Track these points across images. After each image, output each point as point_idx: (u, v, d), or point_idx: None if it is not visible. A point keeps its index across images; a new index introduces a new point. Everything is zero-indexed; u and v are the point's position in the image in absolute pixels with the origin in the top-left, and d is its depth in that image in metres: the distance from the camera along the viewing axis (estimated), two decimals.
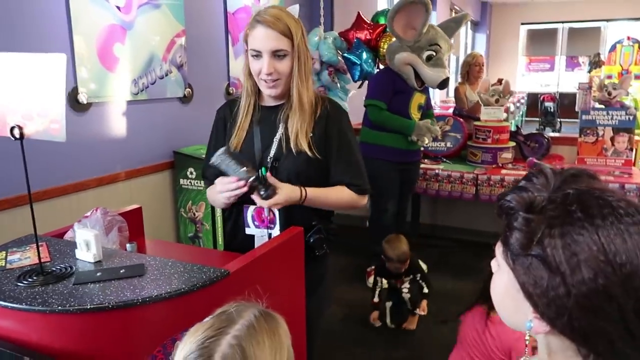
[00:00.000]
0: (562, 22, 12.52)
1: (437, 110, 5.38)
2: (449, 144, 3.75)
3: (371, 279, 3.20)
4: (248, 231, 1.46)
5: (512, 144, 3.57)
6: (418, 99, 3.04)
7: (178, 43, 2.85)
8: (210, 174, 1.53)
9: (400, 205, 3.27)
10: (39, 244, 1.04)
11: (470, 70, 4.16)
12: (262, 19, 1.31)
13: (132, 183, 2.68)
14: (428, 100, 3.19)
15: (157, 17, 2.70)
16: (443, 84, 2.93)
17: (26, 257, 1.03)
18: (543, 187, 0.60)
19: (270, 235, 1.41)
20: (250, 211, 1.44)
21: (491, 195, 3.28)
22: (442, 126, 3.73)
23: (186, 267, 0.94)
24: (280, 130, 1.42)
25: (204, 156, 1.61)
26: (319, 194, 1.40)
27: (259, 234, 1.44)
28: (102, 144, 2.49)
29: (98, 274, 0.92)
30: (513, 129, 3.72)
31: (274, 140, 1.42)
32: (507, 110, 3.82)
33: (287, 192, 1.32)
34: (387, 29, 3.12)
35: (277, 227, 1.40)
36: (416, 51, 2.91)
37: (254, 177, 1.27)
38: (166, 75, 2.81)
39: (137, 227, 1.45)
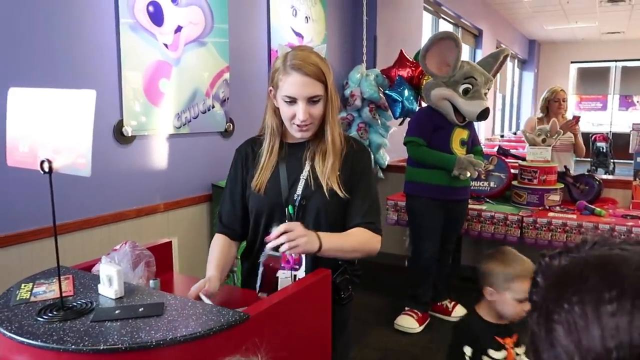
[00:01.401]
0: (615, 61, 12.17)
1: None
2: (492, 184, 3.63)
3: (402, 322, 3.08)
4: None
5: (561, 185, 3.42)
6: (459, 134, 2.98)
7: (222, 79, 2.92)
8: (227, 218, 1.50)
9: (443, 246, 3.16)
10: (66, 276, 1.04)
11: (550, 106, 3.98)
12: (297, 65, 1.30)
13: (170, 215, 2.71)
14: (473, 136, 3.11)
15: (203, 54, 2.78)
16: (482, 115, 2.86)
17: (51, 290, 1.03)
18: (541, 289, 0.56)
19: (295, 277, 1.37)
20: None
21: (537, 239, 3.13)
22: (486, 165, 3.63)
23: (205, 309, 0.91)
24: (307, 168, 1.40)
25: None
26: (335, 240, 1.33)
27: (283, 276, 1.39)
28: (143, 176, 2.54)
29: (117, 311, 0.90)
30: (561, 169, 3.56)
31: (301, 177, 1.40)
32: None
33: (303, 236, 1.24)
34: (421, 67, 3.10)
35: (303, 268, 1.36)
36: (452, 86, 2.87)
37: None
38: (209, 110, 2.87)
39: (166, 261, 1.44)
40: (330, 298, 1.21)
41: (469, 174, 2.89)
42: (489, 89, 2.96)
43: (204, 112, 2.84)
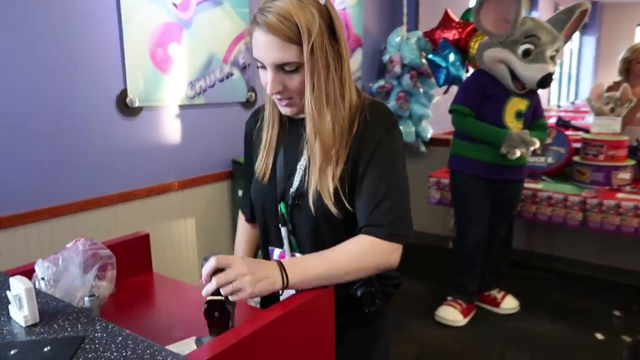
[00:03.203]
0: None
1: None
2: (550, 160, 3.19)
3: (444, 313, 2.76)
4: None
5: (632, 162, 2.95)
6: (516, 104, 2.53)
7: (241, 43, 2.62)
8: (242, 199, 1.28)
9: (493, 231, 2.79)
10: None
11: (632, 67, 3.45)
12: (262, 19, 0.92)
13: (186, 194, 2.48)
14: (535, 106, 2.62)
15: (218, 15, 2.48)
16: (544, 82, 2.39)
17: None
18: None
19: None
20: (275, 255, 1.13)
21: (603, 224, 2.70)
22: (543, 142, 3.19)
23: (136, 350, 0.64)
24: (305, 155, 1.04)
25: None
26: (312, 268, 0.92)
27: None
28: (153, 152, 2.31)
29: (12, 351, 0.65)
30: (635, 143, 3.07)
31: (298, 167, 1.06)
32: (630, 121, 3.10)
33: (254, 273, 0.87)
34: (474, 24, 2.65)
35: None
36: (510, 46, 2.42)
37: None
38: (227, 77, 2.58)
39: (142, 258, 1.18)
40: (333, 330, 0.89)
41: (518, 153, 2.46)
42: (557, 51, 2.46)
43: (222, 80, 2.56)
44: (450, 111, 2.60)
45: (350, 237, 0.99)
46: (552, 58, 2.45)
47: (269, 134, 1.10)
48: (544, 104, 9.12)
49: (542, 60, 2.39)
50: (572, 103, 10.03)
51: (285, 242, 1.08)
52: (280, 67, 0.95)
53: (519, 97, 2.52)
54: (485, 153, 2.54)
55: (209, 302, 0.83)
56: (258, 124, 1.16)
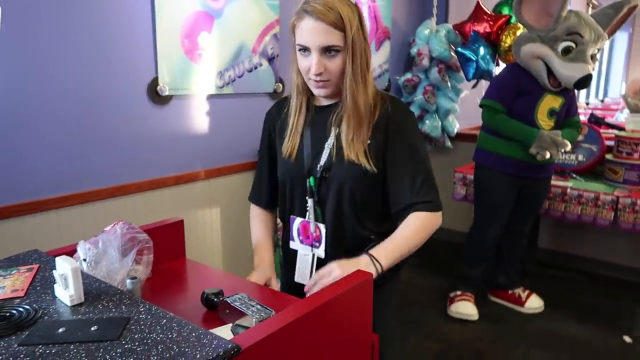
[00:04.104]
0: None
1: None
2: (580, 157, 3.12)
3: (459, 308, 2.73)
4: (292, 245, 1.32)
5: None
6: (550, 102, 2.45)
7: (270, 34, 2.61)
8: (254, 185, 1.45)
9: (516, 228, 2.75)
10: (31, 266, 0.80)
11: None
12: (311, 8, 1.09)
13: (212, 183, 2.49)
14: (570, 104, 2.54)
15: (249, 5, 2.48)
16: (582, 83, 2.31)
17: (2, 287, 0.80)
18: None
19: (314, 255, 1.27)
20: (296, 224, 1.29)
21: (636, 224, 2.64)
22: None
23: (181, 332, 0.64)
24: (333, 135, 1.21)
25: None
26: (392, 252, 1.15)
27: (303, 252, 1.29)
28: (182, 140, 2.32)
29: (60, 329, 0.65)
30: None
31: (325, 146, 1.22)
32: None
33: (349, 267, 1.06)
34: (514, 16, 2.57)
35: (323, 246, 1.25)
36: (550, 42, 2.34)
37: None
38: (256, 68, 2.58)
39: (176, 244, 1.19)
40: (371, 313, 0.89)
41: (548, 155, 2.38)
42: (599, 50, 2.38)
43: (250, 71, 2.55)
44: (481, 106, 2.54)
45: (365, 206, 1.22)
46: (593, 57, 2.37)
47: (296, 119, 1.25)
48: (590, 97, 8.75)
49: (583, 59, 2.31)
50: (602, 101, 9.79)
51: (312, 212, 1.24)
52: (325, 50, 1.11)
53: (554, 94, 2.45)
54: (514, 149, 2.48)
55: (222, 302, 0.96)
56: (284, 112, 1.31)
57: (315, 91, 1.19)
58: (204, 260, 2.47)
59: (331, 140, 1.21)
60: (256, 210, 1.45)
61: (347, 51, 1.11)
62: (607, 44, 10.24)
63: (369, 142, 1.18)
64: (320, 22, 1.08)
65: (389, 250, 1.15)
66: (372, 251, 1.13)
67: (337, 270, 1.07)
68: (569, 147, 2.43)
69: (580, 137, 3.07)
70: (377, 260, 1.11)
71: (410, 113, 1.26)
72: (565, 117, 2.56)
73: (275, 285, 1.27)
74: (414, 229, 1.18)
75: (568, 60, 2.32)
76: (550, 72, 2.37)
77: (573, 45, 2.32)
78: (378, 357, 0.96)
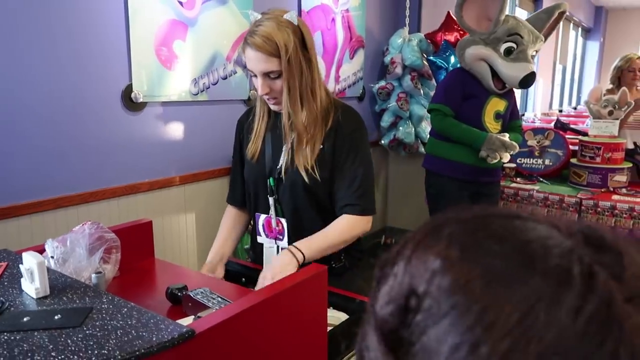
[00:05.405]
0: None
1: (536, 124, 4.80)
2: (547, 162, 3.23)
3: None
4: (259, 239, 1.45)
5: (628, 164, 2.99)
6: (495, 105, 2.48)
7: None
8: (230, 185, 1.58)
9: None
10: (0, 263, 0.84)
11: (623, 76, 3.48)
12: (251, 40, 1.24)
13: (187, 189, 2.53)
14: (513, 107, 2.59)
15: (223, 14, 2.53)
16: (526, 81, 2.36)
17: None
18: None
19: (278, 247, 1.39)
20: (261, 219, 1.43)
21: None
22: (540, 140, 3.23)
23: (140, 319, 0.68)
24: (289, 138, 1.35)
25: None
26: (316, 245, 1.28)
27: (268, 244, 1.42)
28: (157, 146, 2.36)
29: (25, 318, 0.69)
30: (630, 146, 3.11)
31: (284, 148, 1.36)
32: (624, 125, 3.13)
33: (276, 265, 1.21)
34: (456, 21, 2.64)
35: (285, 239, 1.37)
36: (492, 44, 2.39)
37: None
38: (230, 75, 2.63)
39: (144, 245, 1.23)
40: (326, 304, 0.95)
41: (498, 157, 2.40)
42: (537, 51, 2.46)
43: (225, 78, 2.61)
44: (429, 110, 2.55)
45: (320, 203, 1.35)
46: (533, 57, 2.44)
47: (259, 125, 1.40)
48: (545, 108, 9.09)
49: (524, 59, 2.37)
50: (575, 108, 10.04)
51: (272, 209, 1.38)
52: (266, 75, 1.26)
53: (499, 97, 2.48)
54: (463, 155, 2.47)
55: (186, 296, 1.01)
56: (250, 118, 1.46)
57: (272, 107, 1.35)
58: (179, 264, 2.50)
59: (289, 143, 1.34)
60: (228, 210, 1.60)
61: (284, 75, 1.25)
62: (578, 53, 10.48)
63: (321, 146, 1.31)
64: (259, 52, 1.22)
65: (311, 242, 1.27)
66: (295, 243, 1.27)
67: (268, 276, 1.17)
68: (517, 149, 2.47)
69: (547, 142, 3.18)
70: (298, 250, 1.24)
71: (358, 122, 1.38)
72: (509, 121, 2.59)
73: (220, 274, 1.39)
74: (336, 228, 1.31)
75: (511, 61, 2.37)
76: (494, 74, 2.41)
77: (514, 45, 2.38)
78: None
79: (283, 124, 1.33)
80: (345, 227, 1.32)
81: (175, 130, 2.43)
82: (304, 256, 1.23)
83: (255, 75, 1.28)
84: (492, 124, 2.49)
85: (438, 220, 0.36)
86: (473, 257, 0.31)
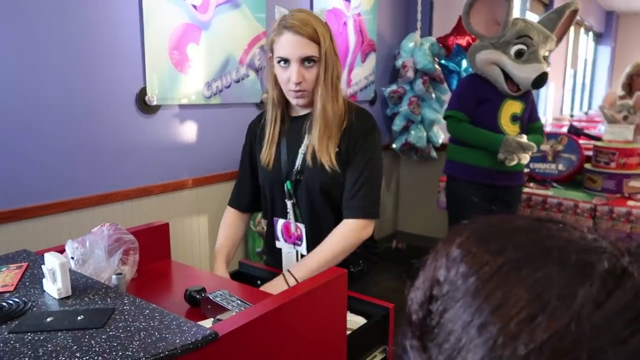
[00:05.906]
0: None
1: (547, 129, 4.76)
2: (560, 167, 3.21)
3: None
4: (277, 245, 1.43)
5: None
6: (511, 107, 2.46)
7: (257, 46, 2.67)
8: (235, 190, 1.55)
9: None
10: (20, 264, 0.84)
11: (634, 83, 3.46)
12: (290, 24, 1.22)
13: (199, 191, 2.53)
14: (530, 109, 2.56)
15: (236, 17, 2.54)
16: (539, 82, 2.34)
17: None
18: None
19: (297, 252, 1.37)
20: (279, 224, 1.40)
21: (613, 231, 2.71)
22: (553, 145, 3.21)
23: (163, 321, 0.68)
24: (305, 142, 1.32)
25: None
26: (310, 264, 1.25)
27: (286, 250, 1.40)
28: (170, 149, 2.36)
29: (49, 318, 0.69)
30: None
31: (299, 152, 1.33)
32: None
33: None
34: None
35: (304, 244, 1.35)
36: (502, 47, 2.38)
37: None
38: (243, 79, 2.64)
39: (161, 246, 1.23)
40: (345, 307, 0.94)
41: (516, 160, 2.37)
42: (550, 51, 2.43)
43: (238, 82, 2.61)
44: (445, 117, 2.55)
45: (333, 204, 1.32)
46: (545, 58, 2.42)
47: (271, 130, 1.35)
48: (557, 113, 9.02)
49: (536, 60, 2.35)
50: (586, 113, 9.97)
51: (291, 213, 1.36)
52: (303, 61, 1.22)
53: (514, 99, 2.46)
54: (482, 158, 2.46)
55: (205, 298, 1.00)
56: (262, 122, 1.43)
57: (293, 101, 1.30)
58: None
59: (304, 146, 1.32)
60: (229, 213, 1.55)
61: (321, 62, 1.23)
62: (589, 58, 10.43)
63: (337, 149, 1.29)
64: (299, 36, 1.20)
65: (305, 264, 1.25)
66: (290, 268, 1.26)
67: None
68: (535, 149, 2.44)
69: (560, 147, 3.16)
70: (291, 275, 1.23)
71: (372, 124, 1.34)
72: (528, 123, 2.57)
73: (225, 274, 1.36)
74: (332, 241, 1.27)
75: (522, 63, 2.35)
76: (507, 76, 2.39)
77: (524, 47, 2.36)
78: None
79: (311, 117, 1.28)
80: (343, 234, 1.28)
81: (188, 133, 2.44)
82: (296, 281, 1.22)
83: (286, 63, 1.23)
84: (509, 127, 2.47)
85: (466, 222, 0.38)
86: (492, 246, 0.33)
